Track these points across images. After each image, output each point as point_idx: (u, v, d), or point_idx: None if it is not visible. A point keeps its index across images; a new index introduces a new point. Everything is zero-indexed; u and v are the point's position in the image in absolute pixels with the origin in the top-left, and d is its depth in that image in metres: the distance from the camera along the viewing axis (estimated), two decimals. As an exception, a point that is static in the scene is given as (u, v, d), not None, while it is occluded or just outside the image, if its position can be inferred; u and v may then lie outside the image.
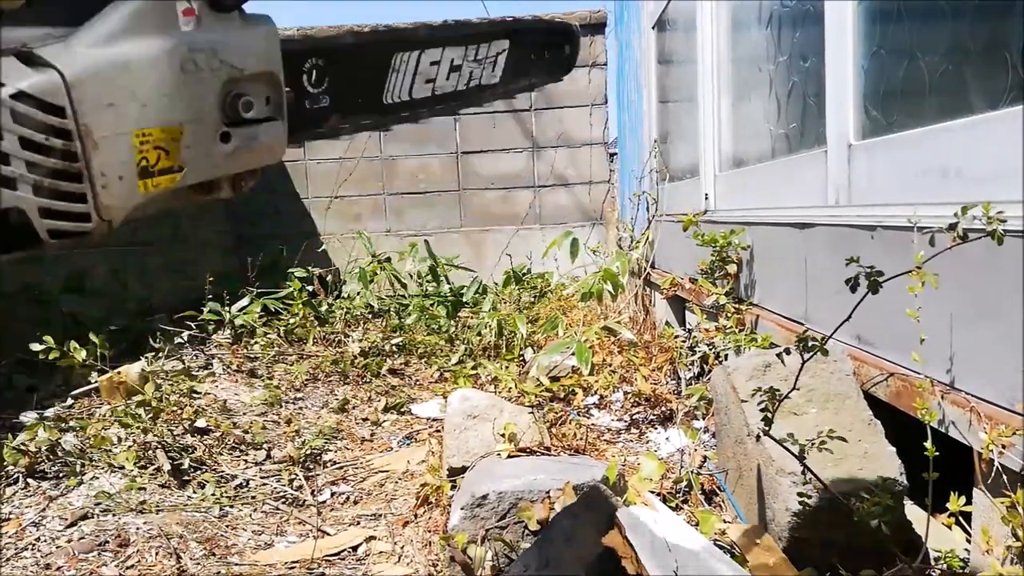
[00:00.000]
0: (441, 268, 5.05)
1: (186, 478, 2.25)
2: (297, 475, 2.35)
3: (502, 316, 3.80)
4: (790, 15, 2.41)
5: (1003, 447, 1.21)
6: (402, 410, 3.06)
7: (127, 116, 0.66)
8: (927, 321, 1.36)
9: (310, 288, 4.63)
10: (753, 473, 1.66)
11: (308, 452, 2.51)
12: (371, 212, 6.18)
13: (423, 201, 6.19)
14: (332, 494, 2.28)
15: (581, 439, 2.35)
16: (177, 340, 3.70)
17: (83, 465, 2.23)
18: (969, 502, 1.30)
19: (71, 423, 2.48)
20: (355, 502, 2.23)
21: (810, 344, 1.32)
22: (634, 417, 2.65)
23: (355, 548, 1.90)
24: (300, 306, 4.24)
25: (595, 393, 2.79)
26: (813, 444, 1.40)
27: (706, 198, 3.23)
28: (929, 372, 1.42)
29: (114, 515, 1.95)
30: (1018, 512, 1.15)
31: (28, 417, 2.55)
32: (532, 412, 2.40)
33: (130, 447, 2.32)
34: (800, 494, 1.44)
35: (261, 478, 2.33)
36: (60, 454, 2.26)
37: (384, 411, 3.05)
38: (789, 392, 1.45)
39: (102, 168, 0.65)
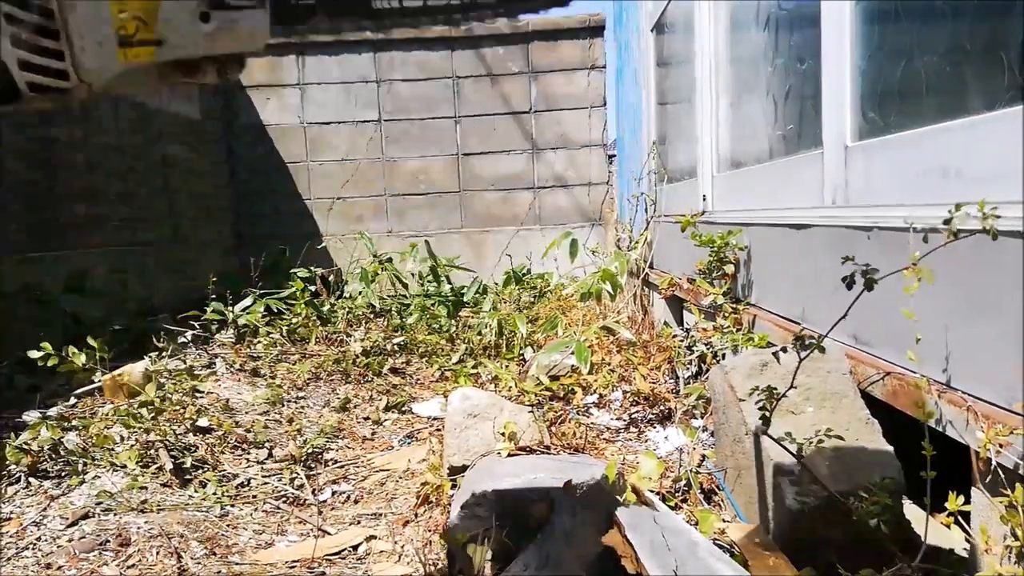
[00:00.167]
0: (442, 268, 5.06)
1: (188, 477, 2.26)
2: (298, 474, 2.36)
3: (502, 316, 3.81)
4: (788, 17, 2.42)
5: (1000, 446, 1.22)
6: (403, 409, 3.07)
7: None
8: (923, 320, 1.37)
9: (312, 288, 4.65)
10: (751, 472, 1.67)
11: (309, 451, 2.51)
12: (372, 213, 6.19)
13: (424, 202, 6.20)
14: (333, 493, 2.29)
15: (581, 438, 2.36)
16: (180, 340, 3.70)
17: (85, 464, 2.23)
18: (967, 501, 1.30)
19: (74, 422, 2.49)
20: (356, 501, 2.24)
21: (807, 343, 1.32)
22: (633, 416, 2.66)
23: (356, 547, 1.90)
24: (302, 306, 4.25)
25: (594, 392, 2.80)
26: (811, 443, 1.41)
27: (704, 199, 3.24)
28: (926, 371, 1.43)
29: (115, 514, 1.96)
30: (1016, 511, 1.16)
31: (31, 416, 2.56)
32: (532, 411, 2.41)
33: (132, 446, 2.33)
34: (798, 493, 1.45)
35: (263, 477, 2.33)
36: (62, 453, 2.27)
37: (385, 410, 3.06)
38: (786, 391, 1.46)
39: (80, 29, 0.67)
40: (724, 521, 1.80)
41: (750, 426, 1.64)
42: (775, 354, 1.49)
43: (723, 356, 2.44)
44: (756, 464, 1.63)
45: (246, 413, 2.89)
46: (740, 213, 2.75)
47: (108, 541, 1.82)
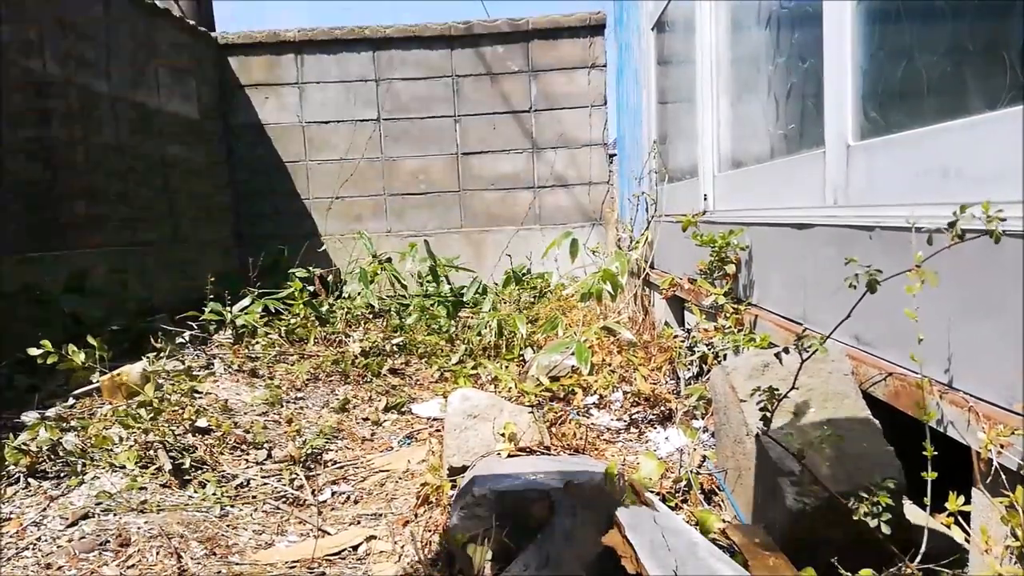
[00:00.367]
0: (441, 268, 5.06)
1: (187, 478, 2.26)
2: (298, 475, 2.36)
3: (502, 316, 3.81)
4: (789, 15, 2.41)
5: (1001, 447, 1.21)
6: (403, 410, 3.07)
7: None
8: (925, 321, 1.37)
9: (311, 288, 4.64)
10: (752, 472, 1.66)
11: (309, 452, 2.51)
12: (371, 212, 6.19)
13: (423, 202, 6.20)
14: (333, 493, 2.28)
15: (581, 439, 2.36)
16: (179, 340, 3.70)
17: (84, 465, 2.23)
18: (968, 502, 1.30)
19: (72, 423, 2.49)
20: (355, 501, 2.24)
21: (808, 344, 1.32)
22: (633, 417, 2.66)
23: (355, 547, 1.90)
24: (301, 306, 4.25)
25: (594, 393, 2.80)
26: (812, 444, 1.41)
27: (705, 199, 3.23)
28: (927, 372, 1.42)
29: (115, 515, 1.96)
30: (1017, 511, 1.15)
31: (29, 417, 2.56)
32: (532, 412, 2.40)
33: (131, 447, 2.33)
34: (799, 493, 1.44)
35: (262, 478, 2.33)
36: (61, 454, 2.27)
37: (385, 411, 3.06)
38: (788, 392, 1.46)
39: None
40: (724, 521, 1.79)
41: (751, 427, 1.64)
42: (777, 355, 1.48)
43: (724, 357, 2.44)
44: (757, 464, 1.63)
45: (245, 414, 2.89)
46: (741, 213, 2.75)
47: (108, 541, 1.81)
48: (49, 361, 2.52)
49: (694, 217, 3.05)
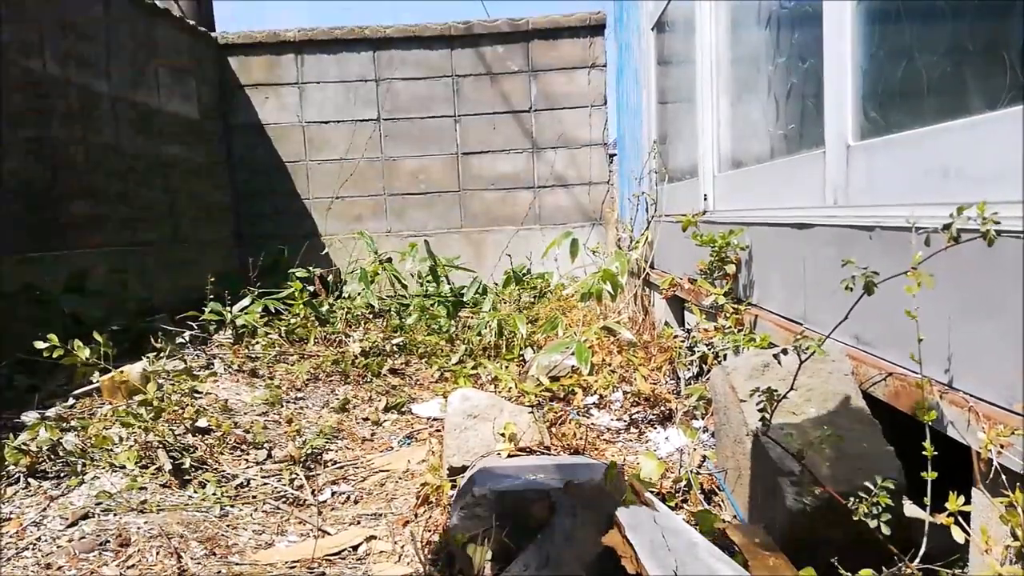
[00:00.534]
0: (441, 268, 5.06)
1: (187, 478, 2.26)
2: (298, 475, 2.36)
3: (502, 316, 3.81)
4: (789, 15, 2.41)
5: (1001, 447, 1.21)
6: (403, 410, 3.07)
7: None
8: (925, 321, 1.37)
9: (311, 288, 4.64)
10: (752, 472, 1.66)
11: (309, 452, 2.51)
12: (371, 212, 6.19)
13: (423, 202, 6.20)
14: (333, 493, 2.28)
15: (581, 439, 2.36)
16: (179, 340, 3.70)
17: (84, 465, 2.23)
18: (968, 502, 1.30)
19: (72, 423, 2.49)
20: (356, 501, 2.24)
21: (806, 346, 1.32)
22: (633, 417, 2.66)
23: (355, 547, 1.90)
24: (301, 306, 4.25)
25: (595, 393, 2.80)
26: (812, 444, 1.41)
27: (705, 199, 3.23)
28: (927, 372, 1.42)
29: (115, 515, 1.96)
30: (1017, 512, 1.15)
31: (29, 417, 2.56)
32: (532, 412, 2.40)
33: (131, 447, 2.33)
34: (799, 493, 1.44)
35: (262, 478, 2.33)
36: (61, 454, 2.27)
37: (385, 411, 3.06)
38: (787, 392, 1.46)
39: None
40: (724, 521, 1.80)
41: (751, 427, 1.64)
42: (776, 356, 1.48)
43: (724, 357, 2.44)
44: (757, 464, 1.63)
45: (245, 414, 2.89)
46: (741, 213, 2.75)
47: (108, 541, 1.81)
48: (55, 355, 2.51)
49: (694, 217, 3.05)
